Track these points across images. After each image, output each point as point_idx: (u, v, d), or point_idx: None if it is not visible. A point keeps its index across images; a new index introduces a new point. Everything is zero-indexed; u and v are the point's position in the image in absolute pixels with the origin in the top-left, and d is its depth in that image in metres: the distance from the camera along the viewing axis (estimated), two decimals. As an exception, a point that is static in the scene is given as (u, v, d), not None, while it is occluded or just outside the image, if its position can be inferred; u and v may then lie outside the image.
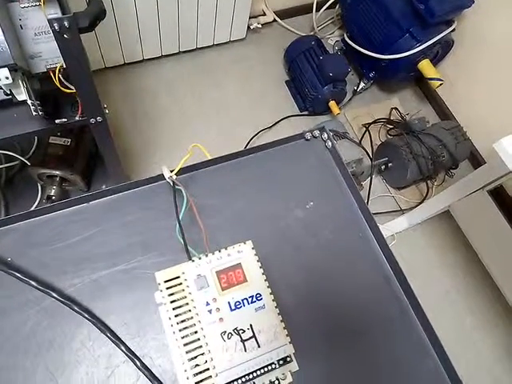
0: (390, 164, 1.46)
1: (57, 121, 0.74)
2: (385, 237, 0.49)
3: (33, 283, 0.41)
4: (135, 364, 0.39)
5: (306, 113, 1.62)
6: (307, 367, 0.39)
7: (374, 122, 1.59)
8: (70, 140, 1.08)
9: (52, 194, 1.10)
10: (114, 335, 0.40)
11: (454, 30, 1.41)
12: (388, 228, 1.42)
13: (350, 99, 1.64)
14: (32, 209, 0.45)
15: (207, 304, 0.33)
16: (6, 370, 0.39)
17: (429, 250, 1.45)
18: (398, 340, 0.45)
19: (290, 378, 0.33)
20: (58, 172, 1.06)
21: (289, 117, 1.59)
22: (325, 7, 1.67)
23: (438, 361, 0.45)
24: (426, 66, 1.44)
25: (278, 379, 0.33)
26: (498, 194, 1.23)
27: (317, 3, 1.66)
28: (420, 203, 1.46)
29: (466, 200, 1.18)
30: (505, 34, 1.37)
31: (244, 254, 0.35)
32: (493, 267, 1.22)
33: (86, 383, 0.39)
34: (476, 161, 1.56)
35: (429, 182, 1.52)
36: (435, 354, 0.45)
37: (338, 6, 1.70)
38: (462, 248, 1.43)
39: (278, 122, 1.56)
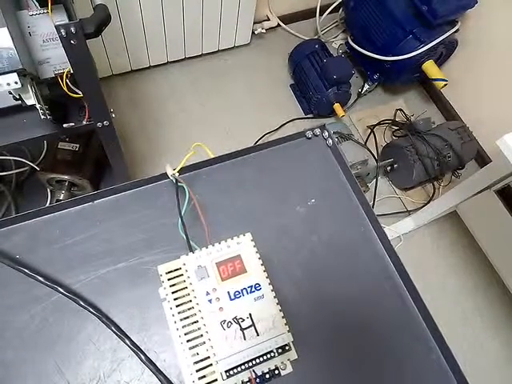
0: (395, 165, 1.46)
1: (64, 125, 0.76)
2: (391, 238, 0.49)
3: (40, 279, 0.42)
4: (140, 358, 0.40)
5: (310, 115, 1.63)
6: (307, 358, 0.40)
7: (379, 123, 1.59)
8: (78, 145, 1.10)
9: (61, 198, 1.12)
10: (119, 329, 0.41)
11: (457, 30, 1.41)
12: (394, 229, 1.41)
13: (355, 101, 1.65)
14: (39, 208, 0.46)
15: (207, 294, 0.33)
16: (15, 365, 0.40)
17: (436, 251, 1.44)
18: (399, 333, 0.45)
19: (290, 368, 0.34)
20: (66, 177, 1.08)
21: (294, 120, 1.60)
22: (328, 11, 1.68)
23: (441, 356, 0.45)
24: (430, 67, 1.44)
25: (277, 368, 0.33)
26: (505, 193, 1.22)
27: (320, 7, 1.67)
28: (426, 204, 1.45)
29: (474, 200, 1.17)
30: (509, 33, 1.37)
31: (243, 245, 0.36)
32: (501, 267, 1.21)
33: (93, 377, 0.40)
34: (482, 161, 1.55)
35: (435, 182, 1.51)
36: (438, 349, 0.45)
37: (341, 10, 1.71)
38: (469, 248, 1.42)
39: (283, 124, 1.57)
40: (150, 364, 0.40)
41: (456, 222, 1.43)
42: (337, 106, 1.52)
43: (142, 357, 0.40)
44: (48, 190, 1.16)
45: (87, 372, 0.40)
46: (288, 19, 1.75)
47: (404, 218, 1.45)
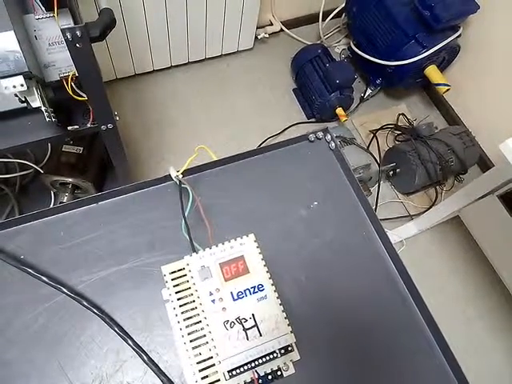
0: (398, 169, 1.46)
1: (69, 128, 0.77)
2: (393, 242, 0.49)
3: (44, 279, 0.42)
4: (142, 359, 0.40)
5: (313, 120, 1.64)
6: (310, 359, 0.40)
7: (382, 127, 1.59)
8: (82, 148, 1.11)
9: (65, 200, 1.12)
10: (122, 330, 0.41)
11: (460, 35, 1.41)
12: (397, 234, 1.41)
13: (357, 106, 1.65)
14: (44, 209, 0.47)
15: (210, 294, 0.34)
16: (18, 364, 0.40)
17: (438, 256, 1.44)
18: (401, 336, 0.45)
19: (292, 369, 0.34)
20: (70, 179, 1.08)
21: (296, 124, 1.60)
22: (331, 16, 1.69)
23: (443, 359, 0.45)
24: (432, 72, 1.45)
25: (280, 369, 0.33)
26: (508, 198, 1.21)
27: (323, 12, 1.68)
28: (429, 209, 1.45)
29: (476, 205, 1.17)
30: (511, 38, 1.37)
31: (246, 246, 0.36)
32: (503, 272, 1.21)
33: (95, 377, 0.40)
34: (485, 166, 1.55)
35: (438, 187, 1.51)
36: (440, 352, 0.45)
37: (343, 15, 1.72)
38: (472, 253, 1.42)
39: (286, 129, 1.58)
40: (153, 365, 0.40)
41: (458, 227, 1.43)
42: (339, 111, 1.52)
43: (145, 357, 0.40)
44: (52, 193, 1.16)
45: (90, 372, 0.40)
46: (291, 24, 1.77)
47: (406, 222, 1.44)
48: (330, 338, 0.43)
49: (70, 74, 0.69)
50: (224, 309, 0.34)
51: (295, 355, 0.34)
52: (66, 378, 0.40)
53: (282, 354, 0.34)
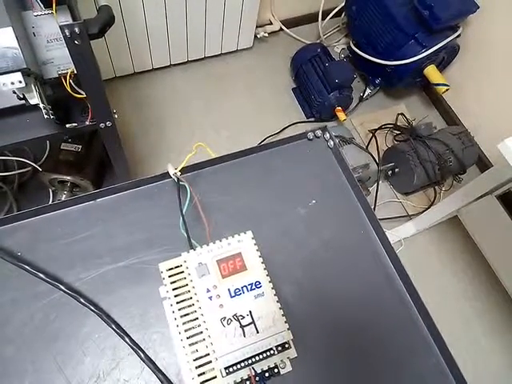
0: (396, 169, 1.46)
1: (67, 125, 0.76)
2: (392, 242, 0.49)
3: (42, 276, 0.42)
4: (139, 356, 0.40)
5: (312, 119, 1.64)
6: (307, 357, 0.40)
7: (381, 127, 1.59)
8: (80, 146, 1.11)
9: (63, 199, 1.12)
10: (119, 328, 0.41)
11: (459, 35, 1.41)
12: (395, 234, 1.41)
13: (357, 105, 1.65)
14: (42, 205, 0.47)
15: (208, 291, 0.34)
16: (15, 361, 0.40)
17: (437, 256, 1.44)
18: (398, 334, 0.45)
19: (289, 367, 0.34)
20: (69, 177, 1.08)
21: (295, 123, 1.60)
22: (330, 15, 1.69)
23: (441, 358, 0.45)
24: (431, 72, 1.45)
25: (277, 366, 0.33)
26: (506, 199, 1.21)
27: (322, 12, 1.68)
28: (427, 208, 1.45)
29: (475, 205, 1.17)
30: (510, 39, 1.37)
31: (244, 243, 0.36)
32: (502, 272, 1.21)
33: (92, 374, 0.40)
34: (484, 166, 1.55)
35: (436, 187, 1.51)
36: (438, 351, 0.45)
37: (343, 14, 1.72)
38: (470, 253, 1.42)
39: (285, 128, 1.58)
40: (150, 362, 0.40)
41: (457, 227, 1.43)
42: (338, 110, 1.52)
43: (142, 355, 0.40)
44: (50, 191, 1.16)
45: (87, 370, 0.40)
46: (290, 23, 1.76)
47: (405, 222, 1.44)
48: (328, 336, 0.43)
49: (69, 71, 0.68)
50: (221, 306, 0.33)
51: (292, 352, 0.34)
52: (63, 376, 0.40)
53: (278, 352, 0.34)
